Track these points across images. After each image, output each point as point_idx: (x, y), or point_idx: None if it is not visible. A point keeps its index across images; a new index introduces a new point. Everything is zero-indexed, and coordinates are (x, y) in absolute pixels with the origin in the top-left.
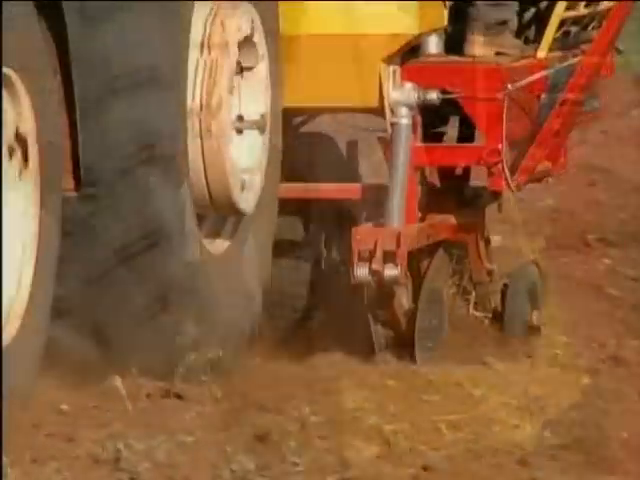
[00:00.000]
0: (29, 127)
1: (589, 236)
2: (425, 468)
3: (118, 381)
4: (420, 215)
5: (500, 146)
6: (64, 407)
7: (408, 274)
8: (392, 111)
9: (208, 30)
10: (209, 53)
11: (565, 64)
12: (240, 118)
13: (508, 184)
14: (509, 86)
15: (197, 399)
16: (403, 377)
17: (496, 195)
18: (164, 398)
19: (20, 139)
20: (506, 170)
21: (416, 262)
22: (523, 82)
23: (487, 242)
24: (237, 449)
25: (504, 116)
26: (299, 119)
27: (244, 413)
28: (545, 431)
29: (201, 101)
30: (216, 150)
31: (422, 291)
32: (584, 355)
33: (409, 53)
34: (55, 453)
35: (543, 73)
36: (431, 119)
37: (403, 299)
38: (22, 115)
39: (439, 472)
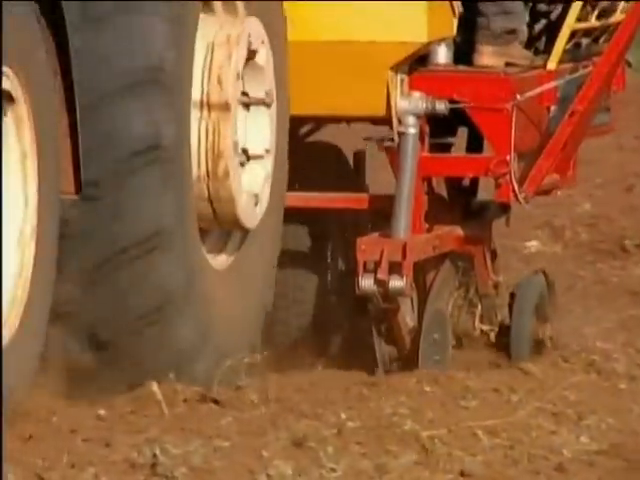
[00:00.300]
0: (27, 128)
1: (626, 242)
2: (462, 474)
3: (154, 386)
4: (427, 226)
5: (508, 157)
6: (101, 412)
7: (414, 285)
8: (399, 120)
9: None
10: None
11: (575, 75)
12: (245, 151)
13: (516, 196)
14: (518, 97)
15: (233, 404)
16: (440, 383)
17: (504, 208)
18: (200, 403)
19: (19, 139)
20: (514, 182)
21: (422, 274)
22: (532, 93)
23: (494, 254)
24: (274, 454)
25: (512, 127)
26: (307, 127)
27: (281, 418)
28: (582, 437)
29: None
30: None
31: (425, 312)
32: (621, 361)
33: (417, 62)
34: (92, 458)
35: (552, 84)
36: (439, 129)
37: (407, 317)
38: (21, 118)
39: (476, 478)
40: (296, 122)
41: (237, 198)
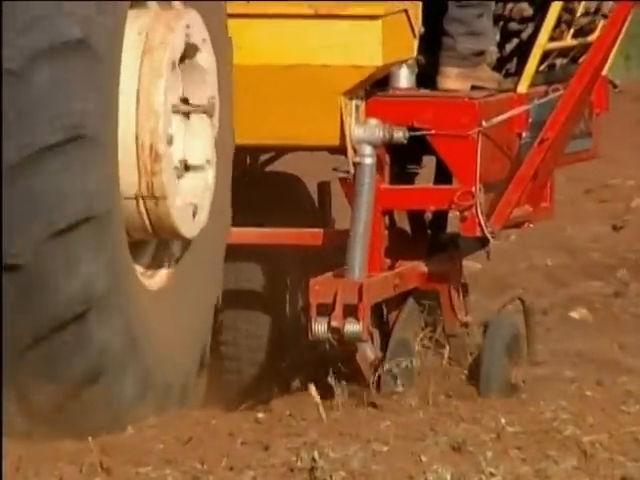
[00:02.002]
0: None
1: None
2: (624, 479)
3: (313, 390)
4: (389, 262)
5: (473, 188)
6: (260, 416)
7: (372, 329)
8: (355, 150)
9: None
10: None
11: (545, 100)
12: (183, 162)
13: (482, 230)
14: (483, 123)
15: (392, 408)
16: (601, 388)
17: (483, 241)
18: (358, 407)
19: None
20: (480, 215)
21: (384, 313)
22: (499, 119)
23: (464, 291)
24: (432, 459)
25: (478, 156)
26: (266, 156)
27: (440, 423)
28: None
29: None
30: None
31: (390, 341)
32: None
33: (377, 87)
34: (251, 461)
35: (521, 109)
36: (402, 158)
37: (367, 350)
38: None
39: None
40: (252, 150)
41: (171, 199)
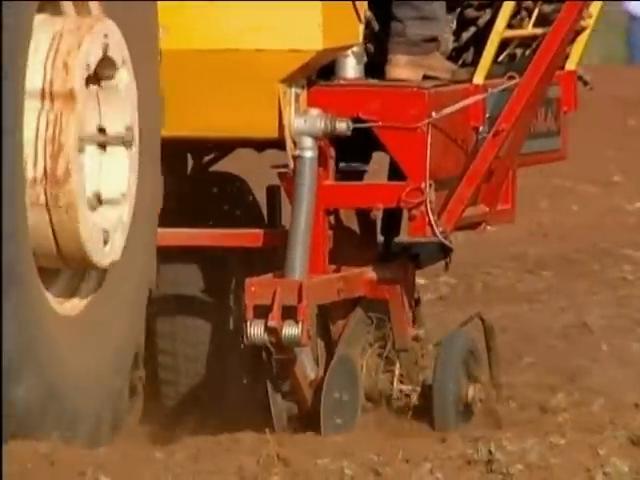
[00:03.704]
0: None
1: None
2: None
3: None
4: (335, 267)
5: (423, 185)
6: None
7: (312, 336)
8: (294, 142)
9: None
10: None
11: (499, 89)
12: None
13: (433, 231)
14: (433, 114)
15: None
16: None
17: (444, 248)
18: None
19: None
20: (430, 214)
21: (327, 323)
22: (450, 109)
23: (417, 302)
24: (610, 452)
25: (427, 149)
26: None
27: (618, 416)
28: None
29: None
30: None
31: (333, 358)
32: None
33: (322, 77)
34: (428, 454)
35: (473, 99)
36: (350, 153)
37: (307, 367)
38: None
39: None
40: (185, 144)
41: (82, 230)
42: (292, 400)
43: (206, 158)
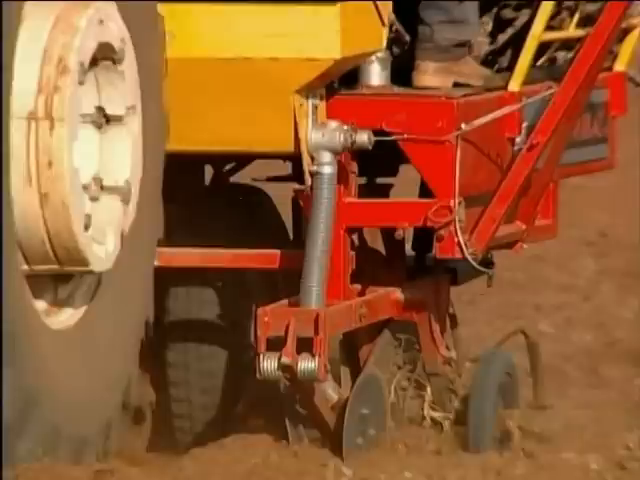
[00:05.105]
0: None
1: None
2: None
3: None
4: (359, 289)
5: (452, 203)
6: None
7: (341, 367)
8: (312, 157)
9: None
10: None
11: (534, 99)
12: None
13: (462, 251)
14: (463, 126)
15: None
16: None
17: (487, 264)
18: None
19: None
20: (459, 234)
21: (354, 348)
22: (481, 121)
23: (452, 322)
24: None
25: (457, 164)
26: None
27: None
28: None
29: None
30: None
31: (358, 378)
32: None
33: (344, 85)
34: None
35: (507, 109)
36: (373, 167)
37: (329, 390)
38: None
39: None
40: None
41: (78, 232)
42: (312, 426)
43: (225, 168)
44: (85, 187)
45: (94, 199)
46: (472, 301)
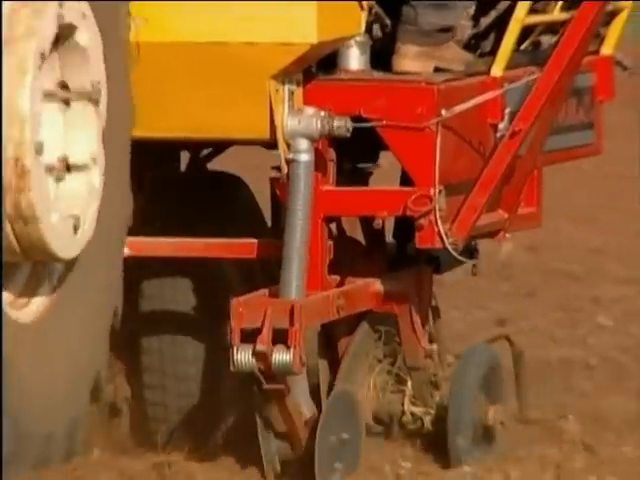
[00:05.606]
0: None
1: None
2: None
3: None
4: (338, 280)
5: (431, 191)
6: None
7: (319, 360)
8: (288, 145)
9: None
10: None
11: (516, 84)
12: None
13: (442, 240)
14: (443, 112)
15: None
16: None
17: (471, 253)
18: None
19: None
20: (439, 222)
21: (331, 340)
22: (461, 107)
23: (434, 314)
24: None
25: (437, 151)
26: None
27: None
28: None
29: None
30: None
31: (331, 394)
32: None
33: (322, 70)
34: None
35: (488, 95)
36: (353, 154)
37: (302, 404)
38: None
39: None
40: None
41: (43, 218)
42: (285, 440)
43: (200, 154)
44: (50, 168)
45: (59, 179)
46: (530, 294)
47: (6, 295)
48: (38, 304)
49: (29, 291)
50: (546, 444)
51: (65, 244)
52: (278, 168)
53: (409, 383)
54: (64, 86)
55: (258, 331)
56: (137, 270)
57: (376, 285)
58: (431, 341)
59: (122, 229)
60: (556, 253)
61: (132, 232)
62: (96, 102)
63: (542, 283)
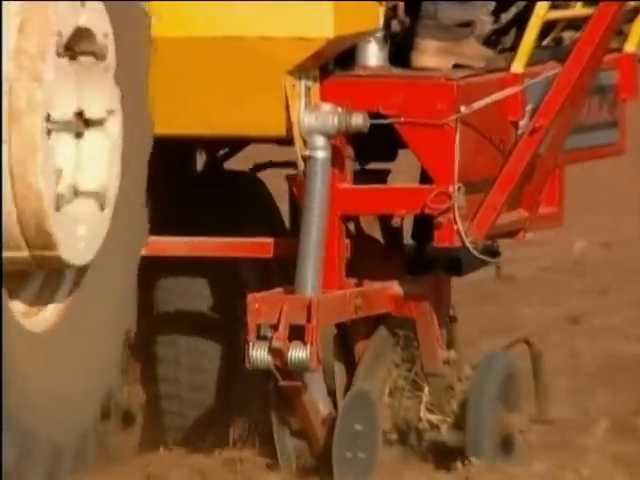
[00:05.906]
0: None
1: None
2: None
3: None
4: (355, 282)
5: (450, 189)
6: None
7: (335, 362)
8: (304, 141)
9: None
10: None
11: (536, 80)
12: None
13: (462, 239)
14: (462, 109)
15: None
16: None
17: (493, 253)
18: None
19: None
20: (458, 221)
21: (349, 343)
22: (481, 103)
23: (451, 320)
24: None
25: (456, 149)
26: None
27: None
28: None
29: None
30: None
31: (348, 393)
32: None
33: (341, 65)
34: None
35: (508, 91)
36: (372, 151)
37: (319, 402)
38: None
39: None
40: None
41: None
42: (301, 438)
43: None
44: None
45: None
46: (603, 291)
47: (18, 304)
48: (50, 314)
49: (41, 300)
50: (619, 441)
51: (75, 252)
52: (279, 165)
53: (426, 390)
54: (80, 114)
55: (274, 327)
56: (153, 269)
57: (394, 288)
58: (448, 348)
59: (137, 245)
60: (630, 250)
61: (149, 232)
62: (110, 129)
63: (615, 280)
